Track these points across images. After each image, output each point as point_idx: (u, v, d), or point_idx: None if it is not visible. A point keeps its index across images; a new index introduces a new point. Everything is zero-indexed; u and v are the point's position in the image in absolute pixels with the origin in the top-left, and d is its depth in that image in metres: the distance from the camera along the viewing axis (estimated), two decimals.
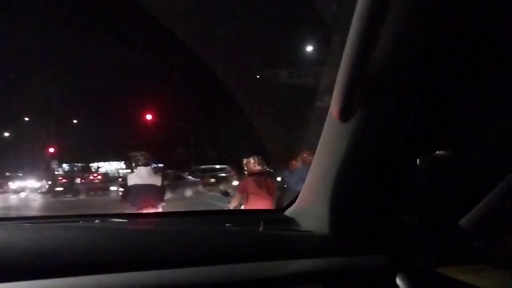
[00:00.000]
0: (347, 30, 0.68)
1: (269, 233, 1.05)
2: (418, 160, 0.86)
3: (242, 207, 4.25)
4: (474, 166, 0.88)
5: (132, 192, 4.59)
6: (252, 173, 4.40)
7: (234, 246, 0.93)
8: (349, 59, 0.71)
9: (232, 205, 4.44)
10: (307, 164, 6.16)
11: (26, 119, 38.40)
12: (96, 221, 1.27)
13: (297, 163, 6.42)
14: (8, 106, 36.54)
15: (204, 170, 21.54)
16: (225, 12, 16.51)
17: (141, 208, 4.40)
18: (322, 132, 0.90)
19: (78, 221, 1.27)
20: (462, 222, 0.88)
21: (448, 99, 0.78)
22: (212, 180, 18.72)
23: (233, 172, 18.90)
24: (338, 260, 0.95)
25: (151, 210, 4.41)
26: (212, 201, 12.36)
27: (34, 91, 33.86)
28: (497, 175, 0.87)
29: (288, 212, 1.29)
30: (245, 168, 4.58)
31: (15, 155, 38.48)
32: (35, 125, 37.43)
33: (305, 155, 6.44)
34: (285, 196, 5.47)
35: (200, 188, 17.28)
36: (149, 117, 22.53)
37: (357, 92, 0.75)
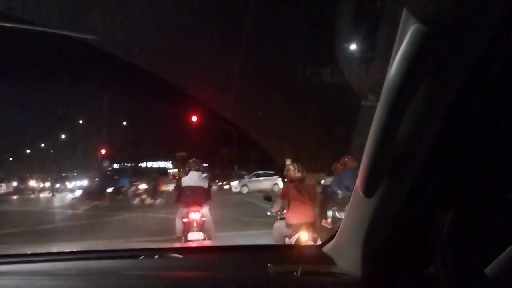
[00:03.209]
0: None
1: (307, 280, 1.15)
2: (441, 215, 0.91)
3: (284, 212, 4.33)
4: (499, 215, 0.90)
5: (185, 192, 5.33)
6: (292, 180, 4.38)
7: None
8: (374, 140, 0.76)
9: (274, 210, 4.51)
10: (347, 169, 5.94)
11: (80, 121, 40.84)
12: (156, 256, 1.41)
13: (340, 166, 6.21)
14: (64, 109, 39.05)
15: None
16: (268, 12, 16.56)
17: (192, 205, 5.17)
18: (359, 172, 0.93)
19: (140, 256, 1.40)
20: (488, 270, 0.90)
21: (469, 165, 0.84)
22: None
23: None
24: None
25: (200, 208, 5.18)
26: (255, 201, 13.69)
27: (86, 96, 35.89)
28: None
29: (326, 249, 1.37)
30: (285, 174, 4.61)
31: (71, 156, 41.07)
32: (88, 127, 39.69)
33: (346, 159, 6.15)
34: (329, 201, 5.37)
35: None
36: (194, 118, 23.00)
37: (382, 169, 0.81)
